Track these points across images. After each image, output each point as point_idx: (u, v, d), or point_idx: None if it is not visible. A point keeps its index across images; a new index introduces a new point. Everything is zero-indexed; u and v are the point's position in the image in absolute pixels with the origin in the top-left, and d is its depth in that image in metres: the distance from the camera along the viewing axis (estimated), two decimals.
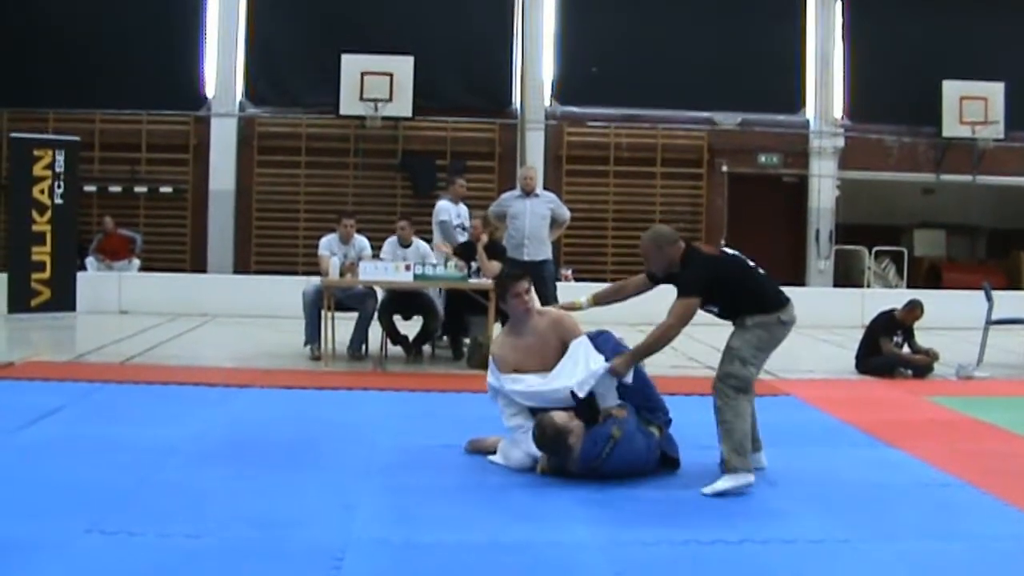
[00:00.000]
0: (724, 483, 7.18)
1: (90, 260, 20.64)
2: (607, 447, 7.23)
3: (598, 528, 6.27)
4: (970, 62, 23.62)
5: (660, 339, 7.43)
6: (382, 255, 13.64)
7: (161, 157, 22.76)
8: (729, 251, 7.98)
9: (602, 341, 7.77)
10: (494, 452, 7.83)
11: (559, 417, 7.27)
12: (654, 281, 7.87)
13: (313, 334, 13.34)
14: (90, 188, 22.16)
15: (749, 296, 7.53)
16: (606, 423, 7.37)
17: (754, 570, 5.59)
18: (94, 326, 16.18)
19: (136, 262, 21.09)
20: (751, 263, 7.75)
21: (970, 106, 23.67)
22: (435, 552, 5.71)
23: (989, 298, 14.60)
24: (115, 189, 22.63)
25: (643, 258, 7.75)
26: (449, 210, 14.67)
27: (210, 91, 23.12)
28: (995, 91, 23.63)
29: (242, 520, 6.15)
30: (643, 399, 7.67)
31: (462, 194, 15.07)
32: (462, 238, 14.06)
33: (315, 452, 8.08)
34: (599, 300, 8.18)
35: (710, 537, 6.05)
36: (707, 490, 7.13)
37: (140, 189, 22.69)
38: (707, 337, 14.31)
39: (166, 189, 22.81)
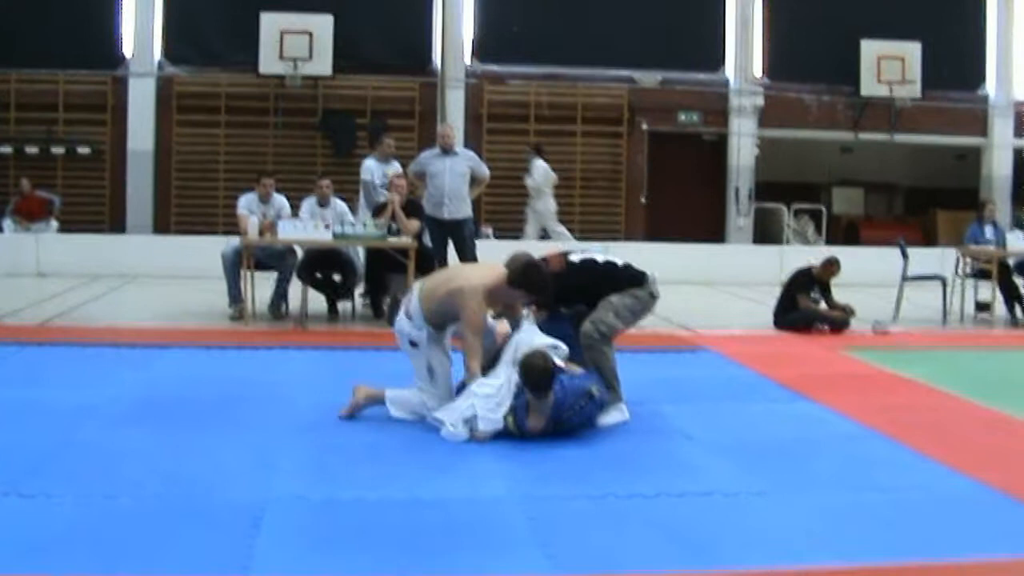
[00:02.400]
0: (610, 417, 7.88)
1: (6, 222, 20.36)
2: (582, 401, 7.36)
3: (516, 483, 6.34)
4: (888, 21, 23.80)
5: None
6: (300, 214, 13.57)
7: (78, 117, 22.45)
8: (576, 258, 8.47)
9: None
10: (381, 402, 7.90)
11: (548, 356, 7.37)
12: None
13: (235, 294, 13.28)
14: (6, 149, 21.87)
15: (606, 285, 8.23)
16: (585, 378, 7.54)
17: (670, 522, 5.66)
18: (11, 289, 15.97)
19: (54, 224, 20.83)
20: (601, 259, 8.49)
21: (888, 65, 23.85)
22: (355, 508, 5.74)
23: (904, 255, 14.77)
24: (32, 150, 22.30)
25: None
26: (372, 169, 14.59)
27: (127, 50, 22.80)
28: (912, 50, 23.83)
29: (161, 479, 6.14)
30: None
31: (390, 152, 14.93)
32: (384, 197, 13.99)
33: (235, 411, 8.07)
34: None
35: (627, 491, 6.12)
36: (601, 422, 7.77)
37: (57, 150, 22.38)
38: None
39: (84, 150, 22.51)
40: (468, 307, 7.56)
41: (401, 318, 7.95)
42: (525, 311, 8.09)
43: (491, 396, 7.32)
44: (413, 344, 7.79)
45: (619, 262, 8.44)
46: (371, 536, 5.34)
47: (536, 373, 7.19)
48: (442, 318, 7.78)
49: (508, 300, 7.92)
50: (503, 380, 7.43)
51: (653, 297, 8.28)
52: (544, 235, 21.13)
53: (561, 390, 7.27)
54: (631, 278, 8.25)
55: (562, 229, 21.03)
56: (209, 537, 5.23)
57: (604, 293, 8.13)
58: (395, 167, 14.61)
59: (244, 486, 6.07)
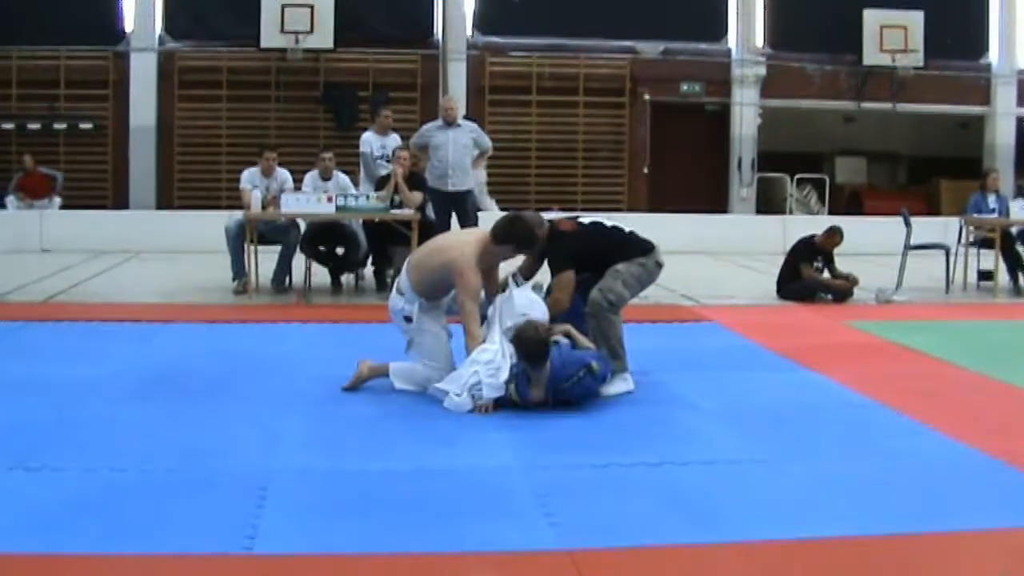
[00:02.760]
0: (615, 387, 7.85)
1: (10, 199, 20.38)
2: (580, 372, 7.33)
3: (521, 453, 6.37)
4: None
5: (552, 309, 7.96)
6: (303, 188, 13.59)
7: (80, 93, 22.48)
8: (586, 220, 8.52)
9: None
10: (384, 375, 7.94)
11: (541, 326, 7.38)
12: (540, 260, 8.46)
13: (239, 269, 13.29)
14: (8, 126, 21.95)
15: (615, 254, 8.19)
16: (585, 354, 7.50)
17: (674, 490, 5.68)
18: (15, 265, 15.97)
19: (57, 200, 20.84)
20: (609, 224, 8.48)
21: (890, 34, 23.84)
22: (360, 479, 5.76)
23: (908, 224, 14.76)
24: (34, 126, 22.35)
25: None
26: (371, 142, 14.59)
27: (129, 25, 22.81)
28: (915, 20, 23.82)
29: (167, 453, 6.16)
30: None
31: (388, 125, 14.91)
32: (384, 170, 14.00)
33: (239, 385, 8.09)
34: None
35: (631, 459, 6.14)
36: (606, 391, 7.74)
37: (59, 126, 22.42)
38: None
39: (86, 125, 22.54)
40: (463, 275, 7.59)
41: (393, 295, 8.01)
42: (511, 281, 8.08)
43: (491, 362, 7.35)
44: (408, 320, 7.82)
45: (626, 229, 8.45)
46: (376, 506, 5.36)
47: (529, 344, 7.20)
48: (433, 289, 7.82)
49: (495, 261, 7.99)
50: (498, 345, 7.45)
51: (659, 266, 8.30)
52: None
53: (559, 358, 7.29)
54: (640, 246, 8.27)
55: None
56: (216, 509, 5.25)
57: (614, 260, 8.12)
58: (394, 140, 14.60)
59: (249, 458, 6.11)
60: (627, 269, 8.10)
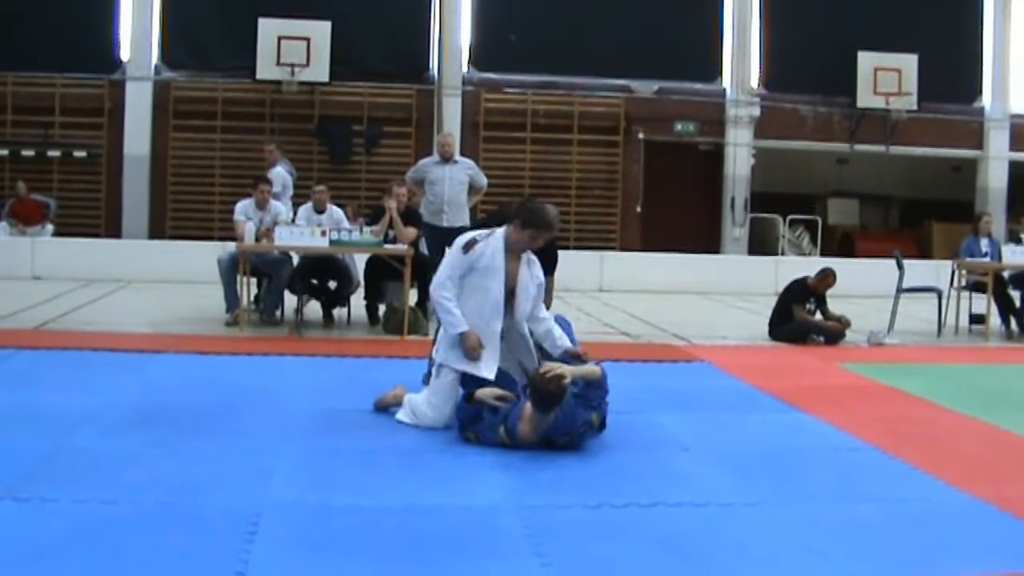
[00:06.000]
0: None
1: (2, 225, 20.37)
2: (581, 429, 7.27)
3: (512, 492, 6.33)
4: (885, 33, 23.93)
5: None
6: (297, 221, 13.58)
7: (75, 121, 22.52)
8: None
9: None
10: (399, 406, 7.96)
11: (557, 379, 7.16)
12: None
13: (232, 300, 13.27)
14: (2, 152, 21.95)
15: None
16: (586, 409, 7.32)
17: (665, 532, 5.65)
18: (6, 292, 15.93)
19: (50, 227, 20.82)
20: None
21: (884, 77, 23.96)
22: (350, 515, 5.72)
23: (900, 266, 14.78)
24: (28, 153, 22.37)
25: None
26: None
27: (125, 54, 22.88)
28: (909, 63, 23.94)
29: (157, 485, 6.12)
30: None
31: (271, 159, 16.45)
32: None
33: (230, 418, 8.04)
34: None
35: (623, 500, 6.11)
36: None
37: (54, 153, 22.44)
38: (624, 303, 14.49)
39: (80, 153, 22.56)
40: None
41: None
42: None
43: None
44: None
45: None
46: (366, 543, 5.33)
47: (543, 394, 7.08)
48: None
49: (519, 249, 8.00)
50: None
51: None
52: None
53: (562, 414, 7.19)
54: None
55: None
56: (206, 543, 5.22)
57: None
58: (275, 171, 15.80)
59: (240, 492, 6.06)
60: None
